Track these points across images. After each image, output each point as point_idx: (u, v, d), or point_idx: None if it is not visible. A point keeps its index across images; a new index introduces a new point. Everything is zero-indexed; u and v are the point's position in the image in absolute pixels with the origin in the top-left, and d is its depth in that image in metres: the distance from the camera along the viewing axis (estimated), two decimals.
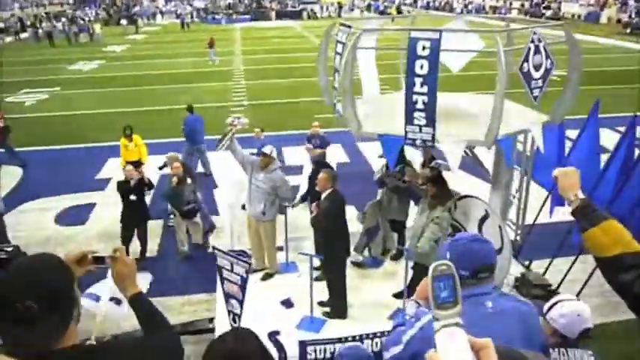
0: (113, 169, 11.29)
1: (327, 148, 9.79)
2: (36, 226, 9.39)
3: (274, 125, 13.62)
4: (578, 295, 5.91)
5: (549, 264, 6.62)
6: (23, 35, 43.17)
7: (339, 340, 5.41)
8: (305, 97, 17.73)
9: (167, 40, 38.51)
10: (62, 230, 9.32)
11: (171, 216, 8.36)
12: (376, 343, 5.48)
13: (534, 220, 6.94)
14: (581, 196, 2.14)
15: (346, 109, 5.15)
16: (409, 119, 4.99)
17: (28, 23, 46.76)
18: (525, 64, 4.92)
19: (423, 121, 4.96)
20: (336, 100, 5.67)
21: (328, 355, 5.42)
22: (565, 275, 6.22)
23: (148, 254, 8.08)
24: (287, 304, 6.13)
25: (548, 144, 6.80)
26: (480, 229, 6.24)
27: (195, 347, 5.23)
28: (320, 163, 6.84)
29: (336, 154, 11.74)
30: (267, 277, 6.61)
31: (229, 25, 47.40)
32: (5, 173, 11.87)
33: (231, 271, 5.24)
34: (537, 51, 5.00)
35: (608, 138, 9.43)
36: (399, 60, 6.82)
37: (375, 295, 6.29)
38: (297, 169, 9.86)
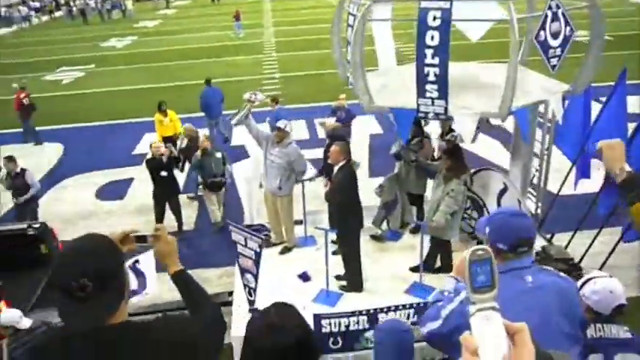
0: (149, 145, 11.57)
1: (354, 121, 9.74)
2: (77, 202, 9.70)
3: (307, 97, 13.60)
4: (600, 268, 5.79)
5: (572, 237, 6.47)
6: (57, 13, 43.92)
7: (353, 314, 5.44)
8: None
9: (198, 14, 38.61)
10: (102, 205, 9.64)
11: (200, 187, 8.60)
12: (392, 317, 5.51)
13: (557, 192, 6.76)
14: (627, 168, 2.10)
15: (357, 82, 5.09)
16: (421, 92, 4.90)
17: (62, 1, 47.49)
18: (542, 32, 4.75)
19: (436, 94, 4.86)
20: (349, 72, 5.61)
21: (343, 328, 5.45)
22: (588, 249, 6.07)
23: (185, 227, 8.39)
24: (304, 277, 6.20)
25: (573, 112, 6.61)
26: (498, 202, 6.15)
27: None
28: (334, 137, 6.78)
29: (369, 126, 11.72)
30: (286, 250, 6.68)
31: None
32: (46, 151, 12.29)
33: (245, 245, 5.32)
34: (555, 17, 4.81)
35: (635, 106, 9.03)
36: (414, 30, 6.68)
37: (392, 268, 6.28)
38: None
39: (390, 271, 6.25)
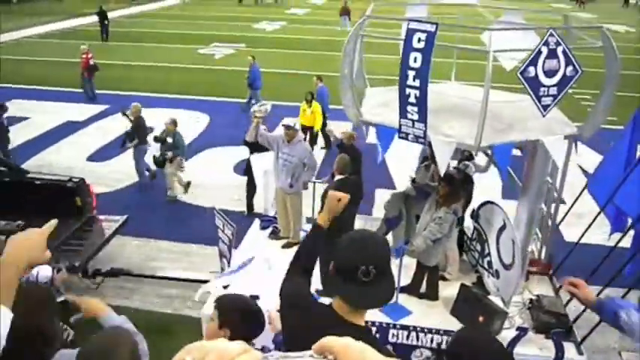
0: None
1: None
2: (215, 172, 10.52)
3: None
4: (590, 331, 5.36)
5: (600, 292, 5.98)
6: None
7: None
8: None
9: (445, 12, 39.13)
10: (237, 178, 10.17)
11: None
12: None
13: (579, 239, 6.27)
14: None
15: (344, 94, 5.19)
16: (402, 112, 4.91)
17: None
18: (531, 69, 4.52)
19: (416, 116, 4.84)
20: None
21: None
22: (585, 309, 5.59)
23: None
24: None
25: (613, 154, 6.14)
26: (497, 239, 5.90)
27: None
28: (344, 147, 6.89)
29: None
30: (288, 246, 6.93)
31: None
32: (195, 121, 13.45)
33: (223, 231, 5.68)
34: (552, 55, 4.55)
35: None
36: None
37: None
38: None
39: None
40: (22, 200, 6.61)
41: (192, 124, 13.06)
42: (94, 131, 12.60)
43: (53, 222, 1.69)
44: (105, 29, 24.60)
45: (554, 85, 4.61)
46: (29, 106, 14.08)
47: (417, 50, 4.60)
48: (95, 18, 25.36)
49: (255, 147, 7.71)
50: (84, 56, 14.99)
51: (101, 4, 25.59)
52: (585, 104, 15.53)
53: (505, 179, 5.47)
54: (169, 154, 9.04)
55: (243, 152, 10.67)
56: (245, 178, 8.85)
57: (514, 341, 5.35)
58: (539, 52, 4.52)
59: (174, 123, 9.15)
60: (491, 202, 6.07)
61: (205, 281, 6.09)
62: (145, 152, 9.59)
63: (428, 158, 6.41)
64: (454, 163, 6.61)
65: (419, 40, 4.60)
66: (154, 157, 9.24)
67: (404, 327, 5.53)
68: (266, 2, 41.68)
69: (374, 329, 5.45)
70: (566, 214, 6.19)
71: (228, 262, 5.70)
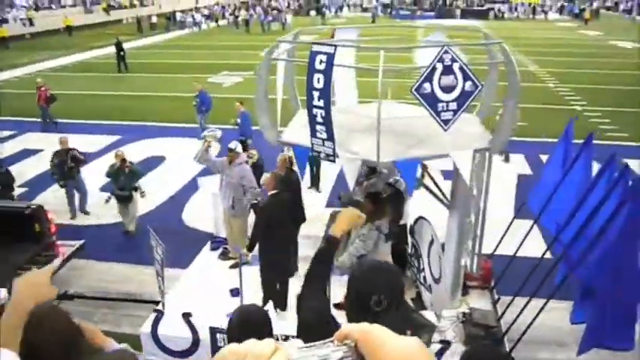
0: None
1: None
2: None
3: None
4: (516, 343, 5.37)
5: (525, 304, 5.98)
6: (222, 22, 48.61)
7: None
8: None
9: (376, 34, 39.85)
10: None
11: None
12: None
13: (515, 252, 6.30)
14: None
15: (261, 117, 5.39)
16: (312, 132, 5.06)
17: (229, 12, 52.50)
18: (426, 85, 4.66)
19: (325, 135, 5.00)
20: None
21: None
22: (515, 319, 5.61)
23: None
24: (234, 292, 6.55)
25: (552, 166, 6.19)
26: (428, 253, 5.96)
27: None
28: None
29: (518, 165, 11.89)
30: (234, 266, 7.08)
31: (413, 22, 47.42)
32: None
33: (156, 251, 5.87)
34: (448, 71, 4.68)
35: None
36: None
37: None
38: None
39: None
40: None
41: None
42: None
43: (56, 262, 1.84)
44: (122, 60, 25.37)
45: (452, 100, 4.73)
46: (44, 138, 14.40)
47: (319, 72, 4.78)
48: (105, 51, 26.12)
49: None
50: (42, 89, 15.63)
51: (109, 37, 26.42)
52: (594, 121, 15.60)
53: (410, 194, 5.56)
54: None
55: None
56: None
57: (439, 355, 5.39)
58: (434, 69, 4.65)
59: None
60: (422, 218, 6.16)
61: (156, 302, 6.26)
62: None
63: (365, 176, 6.54)
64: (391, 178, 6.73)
65: (320, 61, 4.78)
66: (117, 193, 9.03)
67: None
68: (272, 30, 42.48)
69: None
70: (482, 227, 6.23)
71: (162, 281, 5.88)
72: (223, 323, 5.87)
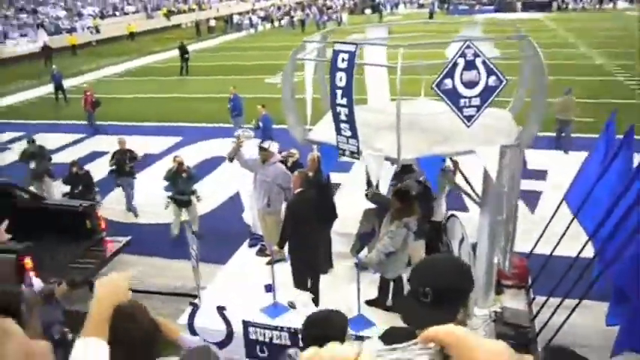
0: None
1: None
2: None
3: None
4: (549, 341, 5.24)
5: (558, 305, 5.82)
6: (280, 22, 49.26)
7: (275, 328, 5.85)
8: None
9: (410, 30, 39.60)
10: None
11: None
12: None
13: (552, 251, 6.14)
14: None
15: (288, 116, 5.49)
16: (338, 130, 5.13)
17: (284, 11, 53.15)
18: (447, 81, 4.62)
19: (349, 132, 5.05)
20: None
21: (267, 339, 5.90)
22: (548, 320, 5.47)
23: None
24: (268, 288, 6.69)
25: (592, 162, 6.02)
26: (458, 251, 5.92)
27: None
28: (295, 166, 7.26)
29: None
30: (270, 263, 7.22)
31: (471, 17, 46.35)
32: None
33: (192, 247, 6.10)
34: (471, 66, 4.63)
35: None
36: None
37: (351, 297, 6.39)
38: None
39: (348, 300, 6.37)
40: (38, 223, 7.40)
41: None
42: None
43: (129, 273, 2.11)
44: (185, 63, 26.24)
45: (476, 96, 4.67)
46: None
47: (342, 70, 4.83)
48: (166, 55, 26.97)
49: None
50: (88, 93, 16.48)
51: (169, 42, 27.30)
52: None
53: (436, 191, 5.50)
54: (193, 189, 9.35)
55: None
56: None
57: None
58: (455, 64, 4.61)
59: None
60: (454, 215, 6.11)
61: (192, 295, 6.51)
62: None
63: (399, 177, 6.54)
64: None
65: (342, 60, 4.83)
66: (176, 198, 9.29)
67: (359, 337, 5.63)
68: (328, 29, 42.64)
69: None
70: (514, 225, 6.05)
71: (198, 275, 6.11)
72: (256, 317, 6.08)
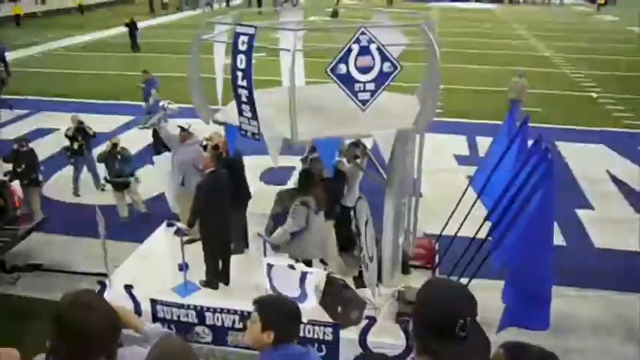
0: None
1: None
2: None
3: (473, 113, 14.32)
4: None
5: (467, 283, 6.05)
6: (236, 2, 48.74)
7: (182, 306, 5.91)
8: (498, 86, 17.38)
9: (357, 16, 39.64)
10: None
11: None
12: (217, 318, 5.85)
13: (456, 232, 6.36)
14: None
15: (194, 97, 5.51)
16: (240, 111, 5.17)
17: None
18: (342, 65, 4.72)
19: (249, 114, 5.11)
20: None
21: (175, 317, 5.96)
22: None
23: None
24: (182, 267, 6.73)
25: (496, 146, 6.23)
26: (365, 232, 6.07)
27: None
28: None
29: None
30: (190, 242, 7.24)
31: (426, 4, 46.69)
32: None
33: (100, 226, 6.08)
34: (365, 52, 4.73)
35: None
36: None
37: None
38: None
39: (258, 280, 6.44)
40: None
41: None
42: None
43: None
44: (134, 40, 25.58)
45: (370, 81, 4.79)
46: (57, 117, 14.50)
47: (242, 52, 4.88)
48: (117, 30, 26.14)
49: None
50: None
51: (121, 17, 26.60)
52: (609, 108, 15.46)
53: (330, 174, 5.64)
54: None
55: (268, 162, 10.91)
56: None
57: (365, 330, 5.50)
58: (350, 50, 4.71)
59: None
60: (361, 198, 6.25)
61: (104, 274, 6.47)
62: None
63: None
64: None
65: (242, 42, 4.87)
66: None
67: None
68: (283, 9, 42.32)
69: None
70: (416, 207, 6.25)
71: (106, 254, 6.12)
72: (167, 296, 6.12)
